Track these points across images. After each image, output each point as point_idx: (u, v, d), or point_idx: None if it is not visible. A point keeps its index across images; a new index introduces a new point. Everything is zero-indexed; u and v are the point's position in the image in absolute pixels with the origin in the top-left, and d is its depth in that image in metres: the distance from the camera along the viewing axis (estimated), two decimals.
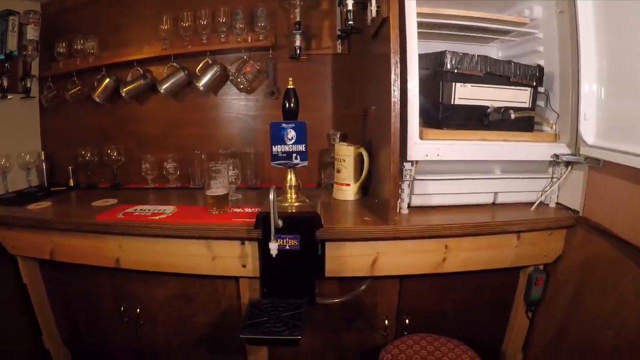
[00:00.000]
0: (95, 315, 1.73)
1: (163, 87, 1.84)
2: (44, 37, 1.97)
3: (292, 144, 1.33)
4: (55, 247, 1.54)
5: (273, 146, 1.34)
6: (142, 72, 1.91)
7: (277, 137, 1.33)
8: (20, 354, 1.76)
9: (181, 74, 1.85)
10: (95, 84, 1.92)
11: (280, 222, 1.21)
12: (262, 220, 1.24)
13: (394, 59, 1.24)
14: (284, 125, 1.33)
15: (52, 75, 1.98)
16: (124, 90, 1.87)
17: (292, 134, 1.32)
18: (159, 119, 2.01)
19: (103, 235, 1.46)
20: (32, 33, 1.91)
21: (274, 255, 1.16)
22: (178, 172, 1.94)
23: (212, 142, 1.96)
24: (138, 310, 1.63)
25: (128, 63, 1.91)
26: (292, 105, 1.34)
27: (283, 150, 1.34)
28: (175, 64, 1.88)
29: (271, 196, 1.10)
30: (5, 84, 1.85)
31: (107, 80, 1.91)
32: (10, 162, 1.86)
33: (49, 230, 1.51)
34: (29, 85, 1.95)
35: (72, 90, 1.94)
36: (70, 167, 2.01)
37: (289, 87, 1.35)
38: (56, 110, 2.03)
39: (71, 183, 2.02)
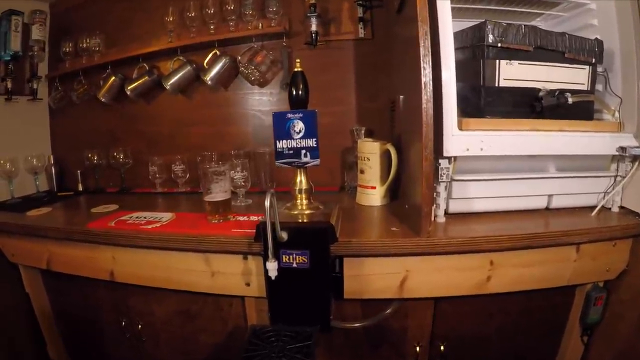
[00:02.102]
0: (97, 329, 1.47)
1: (169, 83, 1.58)
2: (53, 37, 1.77)
3: (300, 139, 1.00)
4: (51, 256, 1.32)
5: (277, 141, 1.01)
6: (147, 68, 1.65)
7: (282, 130, 1.00)
8: None
9: (188, 68, 1.58)
10: (101, 82, 1.68)
11: (284, 235, 0.89)
12: (264, 231, 0.92)
13: (423, 29, 0.91)
14: (289, 115, 1.00)
15: (60, 75, 1.75)
16: (128, 88, 1.62)
17: (299, 126, 0.99)
18: (167, 117, 1.74)
19: (97, 245, 1.21)
20: (37, 33, 1.69)
21: (272, 278, 0.85)
22: (187, 176, 1.66)
23: (223, 142, 1.67)
24: (139, 326, 1.36)
25: (134, 60, 1.65)
26: (300, 92, 1.01)
27: (289, 146, 1.01)
28: (181, 58, 1.61)
29: (267, 203, 0.78)
30: (9, 85, 1.63)
31: (113, 78, 1.66)
32: (16, 166, 1.64)
33: (45, 238, 1.29)
34: (35, 86, 1.73)
35: (79, 91, 1.72)
36: (78, 171, 1.78)
37: (296, 69, 1.02)
38: (65, 112, 1.81)
39: (80, 188, 1.78)
